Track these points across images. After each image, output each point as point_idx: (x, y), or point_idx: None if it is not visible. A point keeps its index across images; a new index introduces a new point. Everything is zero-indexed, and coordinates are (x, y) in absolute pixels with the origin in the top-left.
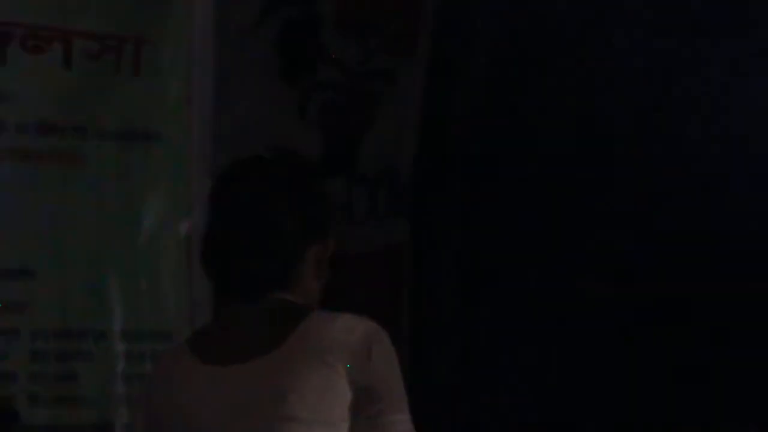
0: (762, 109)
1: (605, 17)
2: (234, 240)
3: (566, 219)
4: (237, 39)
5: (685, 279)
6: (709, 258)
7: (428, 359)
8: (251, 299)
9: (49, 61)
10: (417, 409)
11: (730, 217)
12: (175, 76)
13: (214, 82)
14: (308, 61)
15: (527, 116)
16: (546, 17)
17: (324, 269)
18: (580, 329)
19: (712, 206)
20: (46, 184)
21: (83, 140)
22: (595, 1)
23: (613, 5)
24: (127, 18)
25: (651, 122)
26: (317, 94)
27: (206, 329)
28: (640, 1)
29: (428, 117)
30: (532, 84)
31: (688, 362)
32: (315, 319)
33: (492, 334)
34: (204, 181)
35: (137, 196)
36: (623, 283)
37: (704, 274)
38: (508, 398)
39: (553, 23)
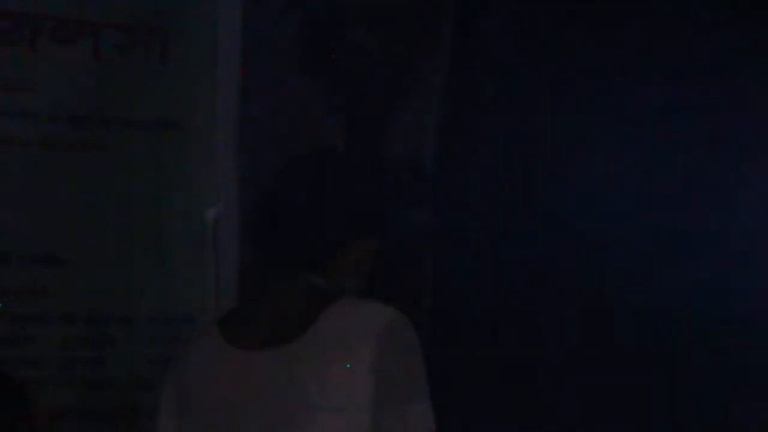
0: None
1: (625, 8)
2: (277, 222)
3: (587, 203)
4: (263, 30)
5: None
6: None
7: (448, 341)
8: (285, 279)
9: (78, 52)
10: (436, 390)
11: None
12: (201, 67)
13: (240, 73)
14: (332, 52)
15: (548, 105)
16: (568, 6)
17: (364, 266)
18: (602, 313)
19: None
20: (76, 172)
21: (112, 130)
22: None
23: None
24: (155, 10)
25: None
26: (341, 85)
27: (236, 311)
28: None
29: (451, 105)
30: (555, 73)
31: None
32: (341, 305)
33: (513, 319)
34: (229, 170)
35: (164, 183)
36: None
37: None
38: (527, 381)
39: (574, 13)
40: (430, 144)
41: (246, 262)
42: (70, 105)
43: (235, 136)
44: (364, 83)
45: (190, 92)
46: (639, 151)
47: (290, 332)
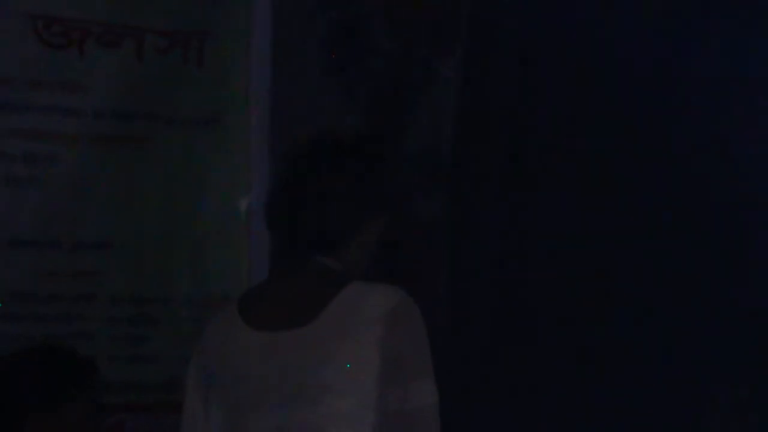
0: None
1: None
2: (292, 203)
3: (597, 195)
4: (292, 33)
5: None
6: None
7: (465, 327)
8: (300, 261)
9: (123, 54)
10: (454, 374)
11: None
12: (236, 68)
13: (271, 73)
14: (356, 53)
15: (560, 100)
16: (578, 4)
17: (373, 243)
18: (614, 300)
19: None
20: (120, 165)
21: (154, 126)
22: None
23: None
24: (193, 16)
25: (683, 100)
26: (364, 84)
27: (254, 293)
28: None
29: (466, 102)
30: (565, 69)
31: None
32: (352, 289)
33: (526, 305)
34: (262, 162)
35: (202, 175)
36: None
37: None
38: (541, 365)
39: (584, 11)
40: (448, 137)
41: (276, 247)
42: (116, 103)
43: (267, 131)
44: (386, 80)
45: (226, 91)
46: (647, 142)
47: (305, 316)
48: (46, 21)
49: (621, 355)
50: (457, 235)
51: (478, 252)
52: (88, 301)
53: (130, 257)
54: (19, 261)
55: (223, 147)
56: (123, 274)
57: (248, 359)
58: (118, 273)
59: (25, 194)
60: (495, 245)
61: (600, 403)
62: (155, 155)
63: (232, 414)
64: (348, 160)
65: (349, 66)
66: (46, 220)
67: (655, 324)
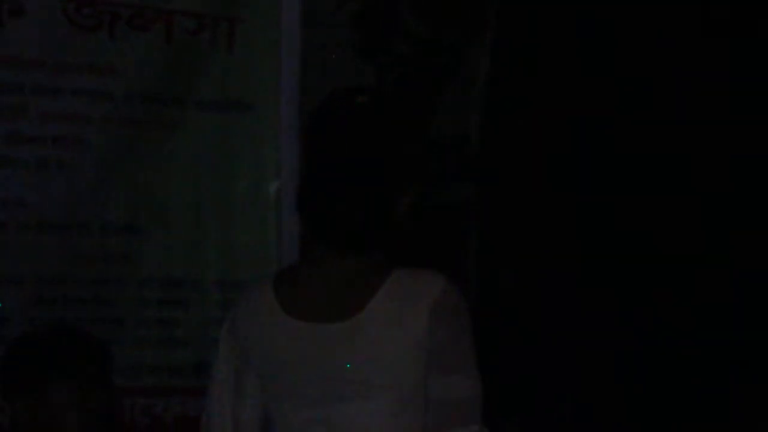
0: None
1: None
2: (333, 191)
3: (624, 180)
4: (322, 18)
5: None
6: None
7: (491, 311)
8: (346, 256)
9: (152, 37)
10: (481, 356)
11: None
12: (265, 52)
13: (301, 57)
14: (385, 38)
15: (589, 86)
16: None
17: (408, 215)
18: (636, 282)
19: None
20: (151, 148)
21: (183, 109)
22: None
23: None
24: None
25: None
26: (393, 68)
27: (292, 279)
28: None
29: (495, 87)
30: (594, 55)
31: None
32: (395, 280)
33: (551, 287)
34: (291, 146)
35: (231, 159)
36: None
37: None
38: (567, 348)
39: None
40: (476, 122)
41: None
42: (145, 86)
43: (296, 114)
44: (415, 65)
45: (255, 75)
46: (676, 130)
47: (348, 309)
48: (77, 3)
49: (644, 348)
50: (485, 221)
51: (506, 237)
52: (117, 284)
53: (160, 241)
54: (48, 244)
55: (253, 130)
56: (152, 257)
57: (289, 350)
58: (148, 256)
59: (54, 177)
60: (523, 231)
61: (624, 395)
62: (184, 139)
63: (270, 403)
64: (368, 130)
65: (379, 50)
66: (75, 203)
67: (679, 319)
